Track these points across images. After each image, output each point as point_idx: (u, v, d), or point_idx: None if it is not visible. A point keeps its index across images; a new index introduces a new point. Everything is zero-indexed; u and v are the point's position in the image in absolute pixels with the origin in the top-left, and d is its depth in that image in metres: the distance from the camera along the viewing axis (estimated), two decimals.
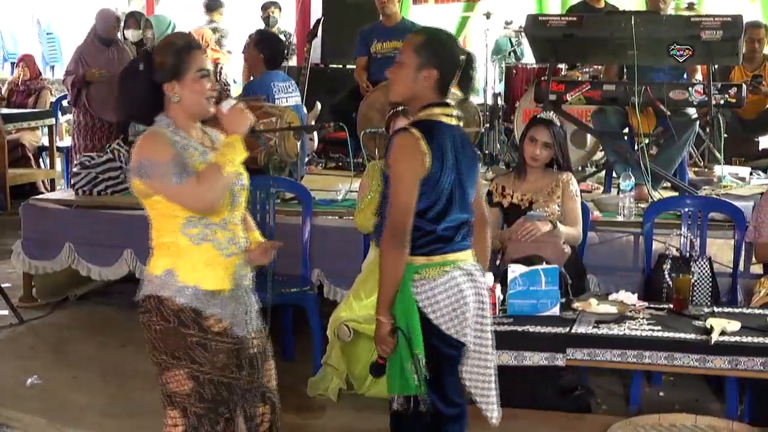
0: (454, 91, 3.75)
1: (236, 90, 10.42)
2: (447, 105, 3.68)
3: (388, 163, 3.61)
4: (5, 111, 10.80)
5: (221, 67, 10.34)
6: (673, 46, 6.30)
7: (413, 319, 3.58)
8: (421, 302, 3.59)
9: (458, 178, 3.63)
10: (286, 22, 11.56)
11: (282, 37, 10.57)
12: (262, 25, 10.71)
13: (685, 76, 7.19)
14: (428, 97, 3.64)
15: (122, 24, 9.76)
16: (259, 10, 11.39)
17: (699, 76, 7.25)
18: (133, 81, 3.52)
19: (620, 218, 6.21)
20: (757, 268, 5.66)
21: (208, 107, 3.55)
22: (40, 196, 7.62)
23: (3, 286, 7.09)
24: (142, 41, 9.61)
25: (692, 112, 6.90)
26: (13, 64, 14.20)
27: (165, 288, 3.49)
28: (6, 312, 6.96)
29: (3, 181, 10.21)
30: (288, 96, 7.33)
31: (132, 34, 9.86)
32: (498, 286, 4.56)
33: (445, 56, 3.65)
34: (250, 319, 3.65)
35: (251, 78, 7.77)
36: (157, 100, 3.52)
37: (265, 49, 7.37)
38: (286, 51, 7.82)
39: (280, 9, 10.99)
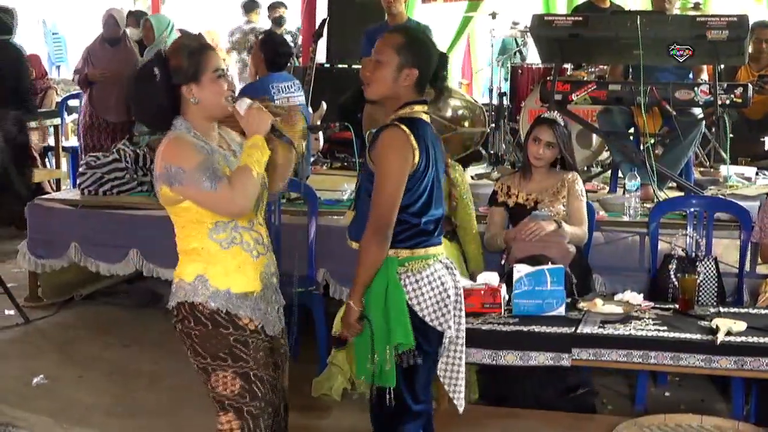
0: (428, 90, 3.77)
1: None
2: (425, 102, 3.73)
3: (374, 158, 3.63)
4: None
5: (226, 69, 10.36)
6: (672, 46, 6.30)
7: (401, 311, 3.62)
8: (408, 293, 3.64)
9: (437, 173, 3.70)
10: (292, 23, 11.58)
11: (289, 37, 10.60)
12: (268, 25, 10.71)
13: (690, 75, 7.18)
14: (408, 95, 3.67)
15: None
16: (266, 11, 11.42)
17: (705, 76, 7.24)
18: (148, 86, 3.47)
19: (626, 218, 6.20)
20: (763, 269, 5.65)
21: (227, 107, 3.54)
22: (45, 196, 7.63)
23: (9, 286, 7.11)
24: (143, 40, 9.60)
25: (698, 112, 6.89)
26: None
27: (197, 294, 3.49)
28: (12, 312, 6.97)
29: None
30: (290, 95, 7.32)
31: (132, 33, 9.81)
32: (503, 286, 4.56)
33: (425, 56, 3.69)
34: (279, 319, 3.70)
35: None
36: (174, 104, 3.49)
37: (267, 51, 7.37)
38: (289, 53, 7.79)
39: (286, 8, 11.00)
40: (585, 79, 7.78)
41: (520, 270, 4.50)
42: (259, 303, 3.58)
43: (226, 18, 12.41)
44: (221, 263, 3.51)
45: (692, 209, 5.71)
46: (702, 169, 8.04)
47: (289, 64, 8.33)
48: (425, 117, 3.70)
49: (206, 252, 3.50)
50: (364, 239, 3.63)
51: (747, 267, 5.63)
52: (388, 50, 3.66)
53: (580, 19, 6.77)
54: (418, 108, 3.68)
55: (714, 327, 4.21)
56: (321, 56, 10.05)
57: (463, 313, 3.84)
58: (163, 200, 3.50)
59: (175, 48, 3.53)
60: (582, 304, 4.53)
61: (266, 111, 3.59)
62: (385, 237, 3.59)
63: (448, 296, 3.72)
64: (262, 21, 11.99)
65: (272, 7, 10.96)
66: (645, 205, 6.38)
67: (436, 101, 3.89)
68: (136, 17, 9.99)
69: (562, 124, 5.48)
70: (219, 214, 3.47)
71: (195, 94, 3.47)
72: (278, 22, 10.80)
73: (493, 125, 8.76)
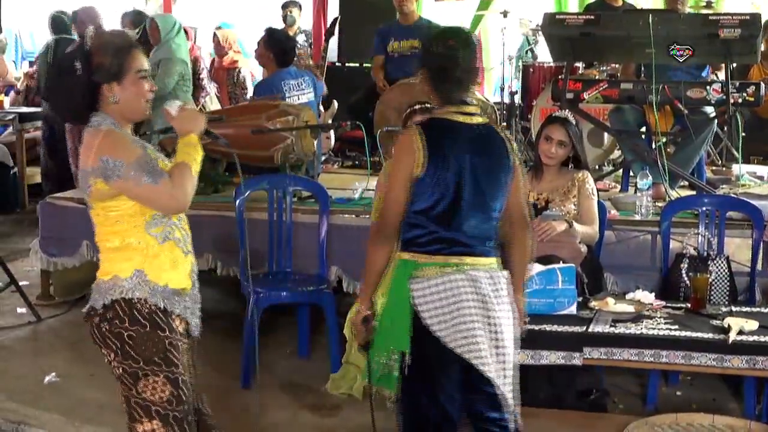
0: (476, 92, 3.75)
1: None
2: (464, 104, 3.66)
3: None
4: (23, 110, 10.84)
5: (239, 70, 10.35)
6: (673, 46, 6.28)
7: (403, 314, 3.59)
8: (416, 299, 3.58)
9: (472, 180, 3.60)
10: (307, 22, 11.55)
11: (303, 36, 10.58)
12: (281, 25, 10.70)
13: (704, 73, 7.16)
14: (428, 96, 3.71)
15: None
16: (279, 10, 11.39)
17: (722, 74, 7.22)
18: (68, 79, 3.40)
19: (637, 217, 6.19)
20: None
21: (146, 109, 3.49)
22: (57, 195, 7.64)
23: (21, 284, 7.12)
24: (149, 40, 9.57)
25: (710, 110, 6.87)
26: (30, 62, 14.22)
27: (137, 289, 3.41)
28: (24, 310, 6.99)
29: (21, 179, 10.28)
30: (300, 93, 7.33)
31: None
32: None
33: (429, 57, 3.69)
34: (198, 320, 3.63)
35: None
36: (92, 100, 3.42)
37: (274, 46, 7.37)
38: (295, 46, 7.77)
39: (300, 8, 10.98)
40: (596, 77, 7.76)
41: (532, 269, 4.50)
42: (189, 302, 3.55)
43: (239, 18, 12.40)
44: (158, 258, 3.45)
45: (704, 208, 5.70)
46: (714, 167, 8.02)
47: (301, 61, 8.34)
48: (462, 119, 3.63)
49: (144, 246, 3.43)
50: (370, 237, 3.65)
51: (759, 266, 5.62)
52: None
53: (592, 17, 6.75)
54: (452, 109, 3.64)
55: (726, 326, 4.21)
56: (332, 55, 10.04)
57: (500, 336, 3.62)
58: (94, 196, 3.40)
59: (100, 45, 3.43)
60: (593, 303, 4.53)
61: (201, 113, 3.59)
62: (384, 237, 3.61)
63: (460, 309, 3.57)
64: (270, 21, 11.92)
65: (284, 7, 10.95)
66: (657, 203, 6.36)
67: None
68: (131, 18, 9.77)
69: (574, 122, 5.48)
70: (156, 209, 3.42)
71: (116, 93, 3.41)
72: (285, 21, 10.77)
73: (505, 124, 8.75)
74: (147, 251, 3.43)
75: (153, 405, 3.42)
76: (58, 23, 9.55)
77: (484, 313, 3.59)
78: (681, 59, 6.34)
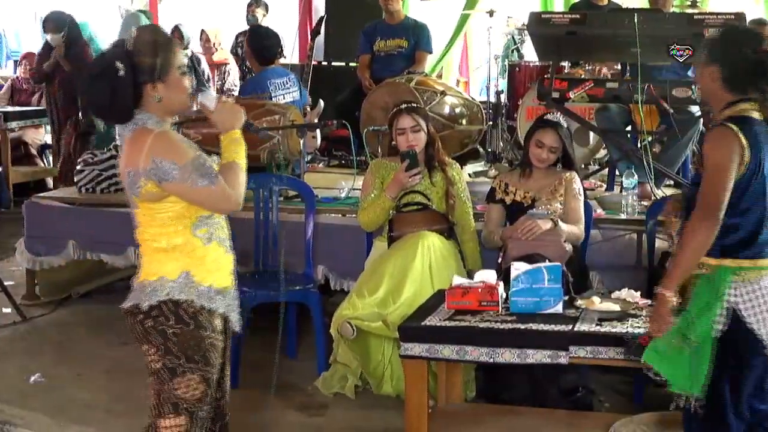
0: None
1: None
2: (753, 100, 3.63)
3: (705, 153, 3.58)
4: (8, 109, 10.81)
5: (228, 69, 10.32)
6: (673, 46, 6.29)
7: (713, 312, 3.55)
8: (738, 304, 3.56)
9: None
10: (274, 22, 11.45)
11: None
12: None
13: (689, 72, 7.18)
14: (723, 93, 3.64)
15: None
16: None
17: None
18: (109, 81, 3.35)
19: (623, 216, 6.21)
20: None
21: (187, 104, 3.51)
22: (43, 194, 7.62)
23: (6, 284, 7.10)
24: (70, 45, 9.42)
25: (695, 109, 6.90)
26: (16, 62, 14.17)
27: (183, 291, 3.43)
28: (9, 310, 6.97)
29: (6, 179, 10.25)
30: (286, 92, 7.33)
31: (53, 39, 9.45)
32: (501, 284, 4.56)
33: (730, 53, 3.64)
34: (238, 315, 3.65)
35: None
36: (137, 99, 3.40)
37: (253, 44, 7.36)
38: (278, 45, 7.75)
39: (266, 8, 10.89)
40: (582, 76, 7.78)
41: (518, 267, 4.51)
42: (230, 298, 3.56)
43: (224, 16, 12.37)
44: (204, 259, 3.46)
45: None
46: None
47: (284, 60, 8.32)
48: (756, 115, 3.61)
49: (190, 248, 3.45)
50: (691, 221, 3.54)
51: None
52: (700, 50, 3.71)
53: (578, 17, 6.75)
54: (746, 106, 3.62)
55: None
56: (318, 54, 10.03)
57: None
58: (143, 197, 3.40)
59: (141, 44, 3.41)
60: (579, 302, 4.54)
61: (237, 104, 3.57)
62: (716, 218, 3.50)
63: None
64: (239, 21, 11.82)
65: (248, 6, 10.85)
66: (642, 202, 6.38)
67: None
68: (55, 22, 9.46)
69: (565, 125, 5.51)
70: (211, 210, 3.44)
71: (159, 92, 3.40)
72: (250, 21, 10.70)
73: (491, 123, 8.76)
74: (193, 253, 3.45)
75: (184, 402, 3.45)
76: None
77: None
78: (681, 59, 6.35)
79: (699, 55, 3.72)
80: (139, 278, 3.53)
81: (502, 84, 9.56)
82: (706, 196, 3.53)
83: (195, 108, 3.70)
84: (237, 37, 10.62)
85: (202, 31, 10.39)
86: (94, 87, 3.42)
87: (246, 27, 10.47)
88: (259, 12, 10.76)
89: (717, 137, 3.57)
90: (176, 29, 9.85)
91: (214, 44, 10.24)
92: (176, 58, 3.44)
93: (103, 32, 10.10)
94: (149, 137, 3.35)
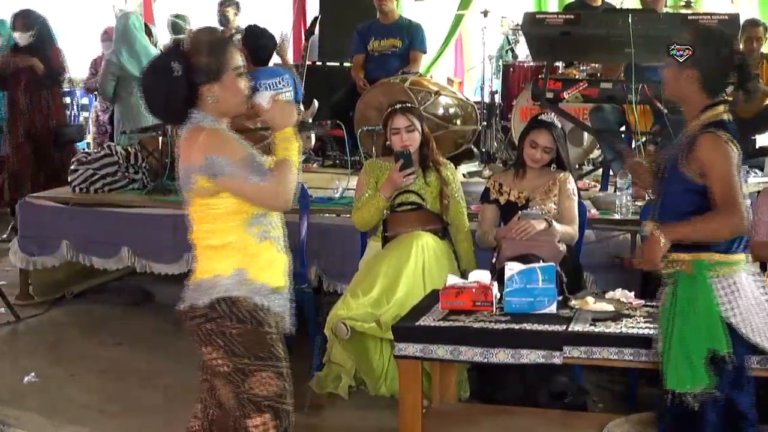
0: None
1: None
2: (725, 103, 3.69)
3: (706, 162, 3.58)
4: None
5: None
6: (673, 47, 6.28)
7: (713, 316, 3.58)
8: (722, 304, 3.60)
9: None
10: (268, 22, 11.41)
11: (238, 36, 10.49)
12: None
13: None
14: (698, 97, 3.69)
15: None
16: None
17: None
18: (165, 81, 3.35)
19: (617, 216, 6.21)
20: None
21: (243, 106, 3.50)
22: (36, 194, 7.61)
23: (0, 284, 7.09)
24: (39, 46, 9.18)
25: None
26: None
27: (238, 288, 3.41)
28: (3, 310, 6.96)
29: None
30: (277, 92, 7.31)
31: (21, 38, 9.21)
32: (495, 284, 4.56)
33: (707, 56, 3.71)
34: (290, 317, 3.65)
35: None
36: (193, 99, 3.40)
37: (247, 44, 7.34)
38: (274, 45, 7.74)
39: (237, 8, 10.86)
40: (576, 77, 7.79)
41: (512, 268, 4.51)
42: (285, 300, 3.55)
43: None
44: (257, 257, 3.45)
45: None
46: None
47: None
48: (727, 117, 3.67)
49: (243, 245, 3.43)
50: (717, 218, 3.57)
51: None
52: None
53: (572, 17, 6.76)
54: (721, 108, 3.67)
55: None
56: (313, 54, 10.03)
57: None
58: (196, 192, 3.39)
59: (197, 44, 3.41)
60: (573, 302, 4.54)
61: (289, 103, 3.57)
62: (742, 214, 3.54)
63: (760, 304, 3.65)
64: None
65: (220, 5, 10.79)
66: (636, 202, 6.38)
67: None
68: (25, 20, 9.18)
69: (559, 125, 5.52)
70: (261, 207, 3.43)
71: (215, 92, 3.40)
72: (221, 21, 10.64)
73: (485, 123, 8.77)
74: (246, 250, 3.44)
75: (265, 399, 3.44)
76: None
77: None
78: (681, 59, 6.33)
79: (671, 59, 3.71)
80: (193, 278, 3.50)
81: (497, 84, 9.56)
82: (728, 197, 3.54)
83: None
84: None
85: (189, 30, 10.33)
86: (150, 88, 3.43)
87: (219, 28, 10.45)
88: (231, 11, 10.71)
89: (716, 146, 3.59)
90: (18, 16, 9.56)
91: None
92: (232, 59, 3.44)
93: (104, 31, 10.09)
94: (202, 134, 3.36)
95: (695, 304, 3.60)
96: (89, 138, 11.03)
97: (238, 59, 3.48)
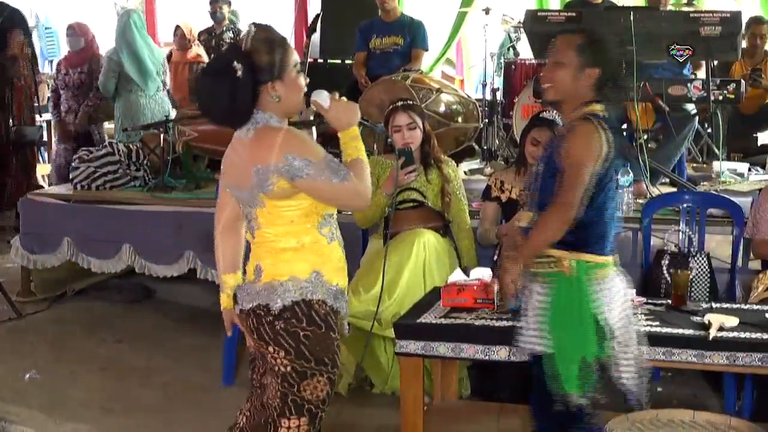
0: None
1: None
2: (602, 102, 3.70)
3: (567, 149, 3.59)
4: None
5: (202, 66, 10.23)
6: (673, 46, 6.29)
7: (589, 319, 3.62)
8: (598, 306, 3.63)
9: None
10: (269, 20, 11.42)
11: (230, 33, 10.46)
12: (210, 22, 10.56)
13: (686, 71, 7.18)
14: (587, 95, 3.67)
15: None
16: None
17: (703, 71, 7.24)
18: (227, 83, 3.29)
19: (619, 214, 6.19)
20: (755, 264, 5.66)
21: (303, 104, 3.48)
22: (38, 191, 7.61)
23: (1, 280, 7.10)
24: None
25: (691, 107, 6.90)
26: None
27: (316, 291, 3.38)
28: (4, 307, 6.96)
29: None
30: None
31: None
32: (496, 281, 4.55)
33: (608, 57, 3.71)
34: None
35: None
36: (256, 99, 3.35)
37: None
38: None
39: (229, 5, 10.81)
40: None
41: None
42: (345, 301, 3.54)
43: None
44: (330, 258, 3.44)
45: (685, 205, 5.72)
46: (695, 164, 8.05)
47: None
48: (603, 114, 3.69)
49: (318, 247, 3.41)
50: (546, 214, 3.60)
51: (739, 262, 5.64)
52: (570, 51, 3.68)
53: (574, 14, 6.76)
54: (598, 107, 3.67)
55: (706, 322, 4.21)
56: (314, 52, 10.01)
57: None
58: (275, 194, 3.32)
59: (258, 42, 3.36)
60: None
61: (349, 101, 3.56)
62: (569, 217, 3.55)
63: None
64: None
65: (212, 3, 10.70)
66: (638, 200, 6.38)
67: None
68: None
69: (561, 123, 5.50)
70: (343, 207, 3.45)
71: (278, 90, 3.36)
72: (215, 17, 10.57)
73: (486, 121, 8.75)
74: (321, 251, 3.42)
75: (309, 404, 3.41)
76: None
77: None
78: (681, 59, 6.35)
79: (572, 57, 3.70)
80: (262, 280, 3.41)
81: (498, 82, 9.55)
82: (565, 192, 3.56)
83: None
84: (200, 35, 10.39)
85: (177, 26, 10.13)
86: (212, 91, 3.36)
87: (209, 24, 10.44)
88: (225, 8, 10.66)
89: (581, 133, 3.59)
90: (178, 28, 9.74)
91: (189, 40, 10.03)
92: (292, 57, 3.42)
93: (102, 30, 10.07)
94: (279, 134, 3.32)
95: (572, 310, 3.62)
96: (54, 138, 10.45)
97: (296, 56, 3.45)
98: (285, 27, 11.37)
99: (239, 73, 3.28)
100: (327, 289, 3.40)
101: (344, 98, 3.58)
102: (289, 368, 3.37)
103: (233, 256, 3.62)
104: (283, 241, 3.40)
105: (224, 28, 10.43)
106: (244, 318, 3.46)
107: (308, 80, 3.53)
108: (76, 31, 9.36)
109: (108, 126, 9.63)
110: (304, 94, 3.48)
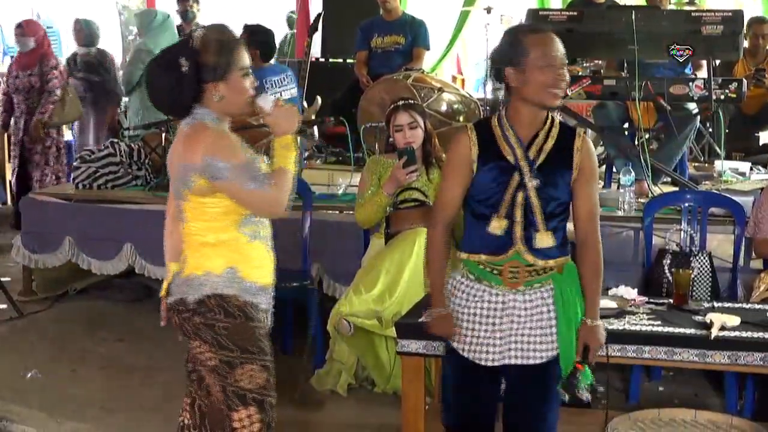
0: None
1: None
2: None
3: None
4: None
5: None
6: (673, 46, 6.29)
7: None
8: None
9: None
10: (270, 19, 11.40)
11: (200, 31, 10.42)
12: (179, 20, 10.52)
13: (688, 70, 7.18)
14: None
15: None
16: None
17: (704, 71, 7.23)
18: (172, 76, 3.35)
19: (620, 213, 6.21)
20: (757, 264, 5.65)
21: (247, 106, 3.50)
22: (40, 190, 7.61)
23: (3, 280, 7.11)
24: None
25: (693, 107, 6.89)
26: (12, 57, 14.14)
27: (229, 286, 3.43)
28: (5, 306, 6.96)
29: (2, 175, 10.23)
30: (283, 90, 7.29)
31: None
32: None
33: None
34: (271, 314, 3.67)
35: None
36: (198, 96, 3.40)
37: (260, 44, 7.25)
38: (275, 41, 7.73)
39: (197, 3, 10.75)
40: (580, 74, 7.78)
41: None
42: (270, 297, 3.58)
43: (220, 12, 12.36)
44: (248, 256, 3.48)
45: (686, 204, 5.72)
46: (696, 164, 8.04)
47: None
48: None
49: (235, 244, 3.46)
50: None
51: (741, 262, 5.64)
52: None
53: (575, 14, 6.76)
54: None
55: (708, 322, 4.21)
56: (316, 51, 10.02)
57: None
58: (195, 191, 3.40)
59: (207, 42, 3.40)
60: None
61: (293, 107, 3.56)
62: (433, 223, 3.81)
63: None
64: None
65: (181, 1, 10.60)
66: (639, 200, 6.38)
67: None
68: None
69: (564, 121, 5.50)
70: (255, 213, 3.46)
71: (220, 91, 3.40)
72: (185, 16, 10.51)
73: None
74: (239, 249, 3.46)
75: (249, 392, 3.46)
76: None
77: None
78: (681, 59, 6.35)
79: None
80: (184, 272, 3.51)
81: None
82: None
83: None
84: None
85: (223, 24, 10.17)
86: (156, 80, 3.44)
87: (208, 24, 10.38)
88: (194, 6, 10.58)
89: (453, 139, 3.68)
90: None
91: None
92: (240, 60, 3.44)
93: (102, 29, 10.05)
94: (205, 134, 3.36)
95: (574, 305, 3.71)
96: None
97: (246, 60, 3.47)
98: (285, 27, 11.39)
99: (184, 69, 3.34)
100: (242, 285, 3.45)
101: (287, 105, 3.58)
102: (215, 361, 3.46)
103: (179, 244, 3.64)
104: (202, 236, 3.48)
105: (193, 28, 10.39)
106: (171, 314, 3.55)
107: (257, 83, 3.54)
108: (24, 30, 8.99)
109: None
110: (250, 97, 3.49)
